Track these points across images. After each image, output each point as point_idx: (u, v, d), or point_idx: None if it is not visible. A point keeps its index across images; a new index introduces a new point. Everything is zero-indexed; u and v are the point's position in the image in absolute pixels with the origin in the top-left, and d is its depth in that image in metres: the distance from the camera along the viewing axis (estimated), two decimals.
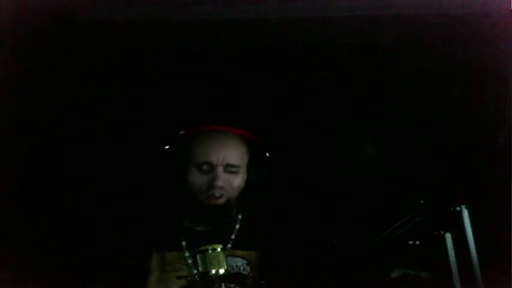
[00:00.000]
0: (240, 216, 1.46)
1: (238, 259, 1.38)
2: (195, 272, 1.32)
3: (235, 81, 2.24)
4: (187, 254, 1.37)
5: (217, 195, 1.36)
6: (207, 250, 1.26)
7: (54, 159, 1.90)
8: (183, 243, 1.39)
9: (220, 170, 1.36)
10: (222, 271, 1.26)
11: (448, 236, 1.58)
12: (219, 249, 1.27)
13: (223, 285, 1.27)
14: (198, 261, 1.27)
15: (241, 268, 1.37)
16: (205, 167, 1.37)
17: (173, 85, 2.24)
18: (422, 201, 1.67)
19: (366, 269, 1.87)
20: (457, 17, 1.82)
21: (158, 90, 2.23)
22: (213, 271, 1.26)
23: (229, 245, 1.40)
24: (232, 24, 1.98)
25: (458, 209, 1.57)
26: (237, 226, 1.44)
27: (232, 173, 1.38)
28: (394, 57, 2.18)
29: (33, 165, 1.80)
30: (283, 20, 1.97)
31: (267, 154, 1.46)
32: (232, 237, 1.42)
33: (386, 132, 2.25)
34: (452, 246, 1.56)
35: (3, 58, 1.62)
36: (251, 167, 1.43)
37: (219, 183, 1.35)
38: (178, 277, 1.33)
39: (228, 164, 1.37)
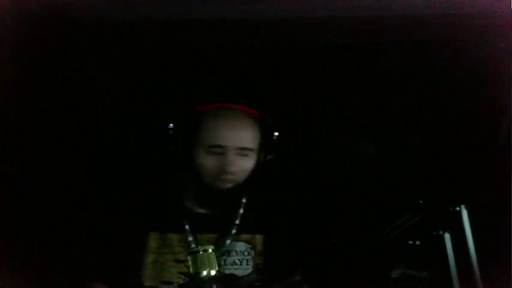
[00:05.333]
0: (244, 200, 1.40)
1: (242, 243, 1.34)
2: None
3: (235, 81, 2.24)
4: (190, 238, 1.32)
5: (226, 180, 1.29)
6: (198, 251, 1.26)
7: (56, 154, 1.90)
8: (186, 226, 1.33)
9: (232, 153, 1.28)
10: (213, 272, 1.25)
11: (448, 236, 1.58)
12: (210, 250, 1.26)
13: (214, 286, 1.26)
14: (189, 262, 1.25)
15: (246, 253, 1.33)
16: (217, 150, 1.28)
17: (173, 85, 2.24)
18: (421, 201, 1.68)
19: (365, 269, 1.87)
20: (457, 17, 1.81)
21: (158, 90, 2.23)
22: (204, 272, 1.25)
23: (234, 230, 1.35)
24: (232, 24, 1.98)
25: (457, 209, 1.57)
26: (241, 211, 1.38)
27: (245, 156, 1.30)
28: (394, 57, 2.18)
29: (34, 160, 1.80)
30: (283, 20, 1.97)
31: (276, 133, 1.38)
32: (237, 222, 1.36)
33: (386, 132, 2.25)
34: (451, 246, 1.57)
35: (3, 58, 1.62)
36: (262, 148, 1.35)
37: (232, 168, 1.28)
38: (177, 261, 1.29)
39: (242, 148, 1.29)
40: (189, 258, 1.26)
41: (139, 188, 1.43)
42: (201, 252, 1.26)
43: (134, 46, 2.16)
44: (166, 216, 1.34)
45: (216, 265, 1.26)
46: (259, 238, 1.36)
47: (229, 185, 1.30)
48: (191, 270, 1.26)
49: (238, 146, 1.29)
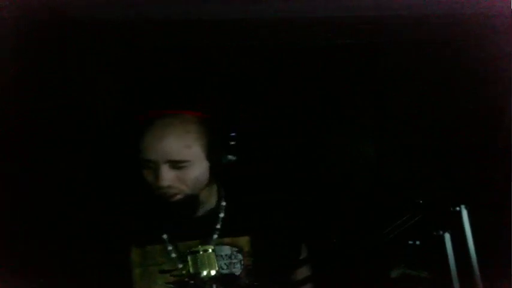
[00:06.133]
0: (223, 203, 1.36)
1: (227, 247, 1.32)
2: (180, 266, 1.27)
3: (235, 81, 2.24)
4: (170, 248, 1.30)
5: (168, 194, 1.23)
6: (198, 251, 1.25)
7: (50, 157, 1.90)
8: (164, 236, 1.31)
9: (164, 167, 1.21)
10: (213, 272, 1.24)
11: (448, 236, 1.58)
12: (210, 250, 1.25)
13: (214, 286, 1.26)
14: (189, 262, 1.24)
15: (232, 256, 1.32)
16: (149, 164, 1.23)
17: (173, 85, 2.24)
18: (421, 201, 1.68)
19: (365, 269, 1.87)
20: (457, 17, 1.81)
21: (158, 90, 2.23)
22: (204, 272, 1.24)
23: (216, 236, 1.32)
24: (232, 24, 1.98)
25: (457, 209, 1.57)
26: (221, 214, 1.34)
27: (181, 168, 1.22)
28: (394, 57, 2.18)
29: (34, 160, 1.80)
30: (283, 20, 1.97)
31: (232, 134, 1.29)
32: (218, 226, 1.33)
33: (385, 132, 2.25)
34: (451, 246, 1.57)
35: (3, 58, 1.62)
36: (212, 153, 1.26)
37: (164, 182, 1.21)
38: (161, 271, 1.28)
39: (171, 161, 1.22)
40: (189, 258, 1.26)
41: (116, 203, 1.40)
42: (201, 252, 1.26)
43: (134, 46, 2.15)
44: (146, 229, 1.32)
45: (216, 265, 1.26)
46: (244, 240, 1.34)
47: (178, 198, 1.25)
48: (191, 270, 1.25)
49: (167, 159, 1.22)
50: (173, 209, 1.27)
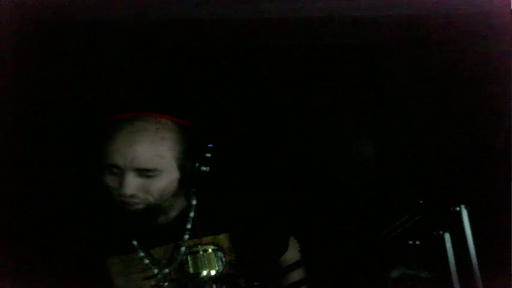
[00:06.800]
0: (194, 202, 1.29)
1: (205, 247, 1.27)
2: (156, 271, 1.24)
3: (235, 81, 2.24)
4: (141, 254, 1.24)
5: (130, 203, 1.14)
6: (198, 251, 1.26)
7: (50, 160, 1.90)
8: (134, 243, 1.24)
9: (130, 174, 1.11)
10: (213, 272, 1.26)
11: (448, 236, 1.58)
12: (210, 250, 1.26)
13: (214, 286, 1.27)
14: (189, 262, 1.25)
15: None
16: (114, 170, 1.12)
17: (172, 84, 2.24)
18: (421, 201, 1.67)
19: (365, 269, 1.87)
20: (457, 17, 1.81)
21: (158, 89, 2.23)
22: (204, 272, 1.25)
23: (187, 236, 1.26)
24: (232, 24, 1.98)
25: (457, 209, 1.57)
26: (191, 214, 1.27)
27: (149, 177, 1.13)
28: (394, 57, 2.18)
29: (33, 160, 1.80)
30: (283, 20, 1.97)
31: (209, 145, 1.20)
32: (188, 226, 1.26)
33: (385, 132, 2.25)
34: (451, 246, 1.56)
35: (3, 58, 1.62)
36: (186, 163, 1.17)
37: (128, 191, 1.11)
38: (146, 278, 1.24)
39: (139, 169, 1.11)
40: (189, 258, 1.26)
41: (84, 215, 1.31)
42: (201, 252, 1.26)
43: (134, 46, 2.15)
44: (117, 239, 1.25)
45: (216, 265, 1.26)
46: (223, 237, 1.30)
47: (139, 207, 1.15)
48: (191, 270, 1.25)
49: (134, 167, 1.11)
50: (133, 218, 1.20)
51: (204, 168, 1.17)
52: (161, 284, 1.23)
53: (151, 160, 1.12)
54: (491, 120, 2.04)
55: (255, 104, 2.24)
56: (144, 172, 1.12)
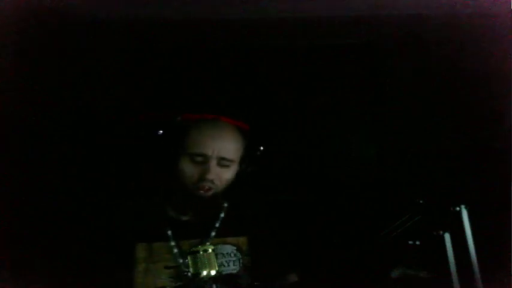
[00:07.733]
0: (225, 204, 1.45)
1: (227, 246, 1.38)
2: (180, 261, 1.32)
3: (235, 81, 2.24)
4: (172, 243, 1.36)
5: (207, 187, 1.33)
6: (198, 251, 1.27)
7: (54, 156, 1.90)
8: (169, 232, 1.37)
9: (213, 162, 1.33)
10: (213, 272, 1.27)
11: (448, 236, 1.58)
12: (210, 250, 1.28)
13: (214, 286, 1.28)
14: (189, 262, 1.27)
15: (232, 254, 1.37)
16: (199, 158, 1.33)
17: (173, 84, 2.24)
18: (421, 201, 1.67)
19: (365, 269, 1.87)
20: (457, 17, 1.82)
21: (158, 89, 2.23)
22: (204, 272, 1.26)
23: (213, 233, 1.39)
24: (232, 24, 1.98)
25: (457, 209, 1.57)
26: (222, 214, 1.43)
27: (225, 166, 1.35)
28: (394, 57, 2.18)
29: (32, 162, 1.80)
30: (283, 20, 1.97)
31: (261, 148, 1.43)
32: (217, 225, 1.40)
33: (386, 132, 2.25)
34: (451, 246, 1.57)
35: (3, 58, 1.62)
36: (244, 160, 1.40)
37: (211, 176, 1.32)
38: (167, 267, 1.32)
39: (223, 158, 1.34)
40: (189, 258, 1.27)
41: (125, 200, 1.46)
42: (201, 252, 1.27)
43: (134, 46, 2.15)
44: (150, 226, 1.37)
45: (216, 265, 1.27)
46: (243, 240, 1.40)
47: (209, 193, 1.34)
48: (191, 270, 1.26)
49: (220, 156, 1.34)
50: (201, 203, 1.35)
51: (253, 167, 1.41)
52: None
53: (232, 151, 1.35)
54: (491, 120, 2.04)
55: (255, 104, 2.24)
56: (224, 161, 1.34)
